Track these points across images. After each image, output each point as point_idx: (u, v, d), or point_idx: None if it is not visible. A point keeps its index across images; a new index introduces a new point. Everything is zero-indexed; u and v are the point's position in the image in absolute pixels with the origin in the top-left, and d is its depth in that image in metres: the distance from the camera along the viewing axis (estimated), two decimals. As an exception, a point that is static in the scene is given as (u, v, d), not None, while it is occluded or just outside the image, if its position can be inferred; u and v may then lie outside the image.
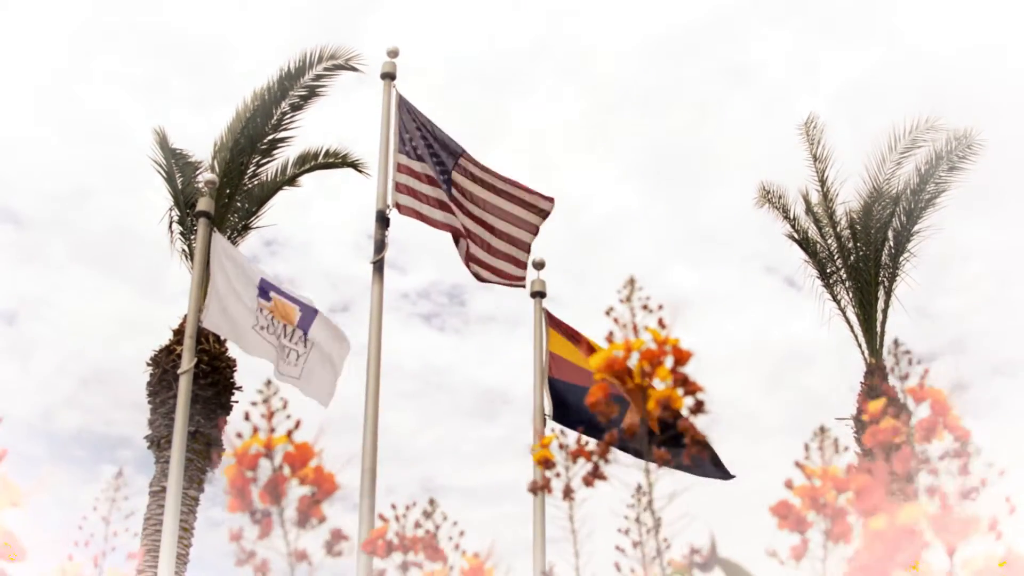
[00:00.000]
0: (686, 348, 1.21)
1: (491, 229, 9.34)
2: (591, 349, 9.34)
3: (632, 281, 1.20)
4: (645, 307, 1.22)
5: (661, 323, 1.21)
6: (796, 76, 27.87)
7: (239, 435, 1.23)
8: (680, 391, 1.21)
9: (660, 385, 1.21)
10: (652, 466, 1.32)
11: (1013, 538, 1.33)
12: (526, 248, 9.47)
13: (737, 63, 28.30)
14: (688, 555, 1.42)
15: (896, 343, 1.53)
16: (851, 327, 14.59)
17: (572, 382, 9.31)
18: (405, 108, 9.31)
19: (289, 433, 1.23)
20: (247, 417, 1.24)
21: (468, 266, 9.18)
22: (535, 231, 9.52)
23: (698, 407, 1.22)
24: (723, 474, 9.35)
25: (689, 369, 1.22)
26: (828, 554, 1.39)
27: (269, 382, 1.29)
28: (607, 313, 1.22)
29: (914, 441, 1.43)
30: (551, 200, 9.56)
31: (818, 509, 1.38)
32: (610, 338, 1.22)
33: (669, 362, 1.21)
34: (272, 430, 1.24)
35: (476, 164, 9.41)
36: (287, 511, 1.21)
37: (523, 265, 9.47)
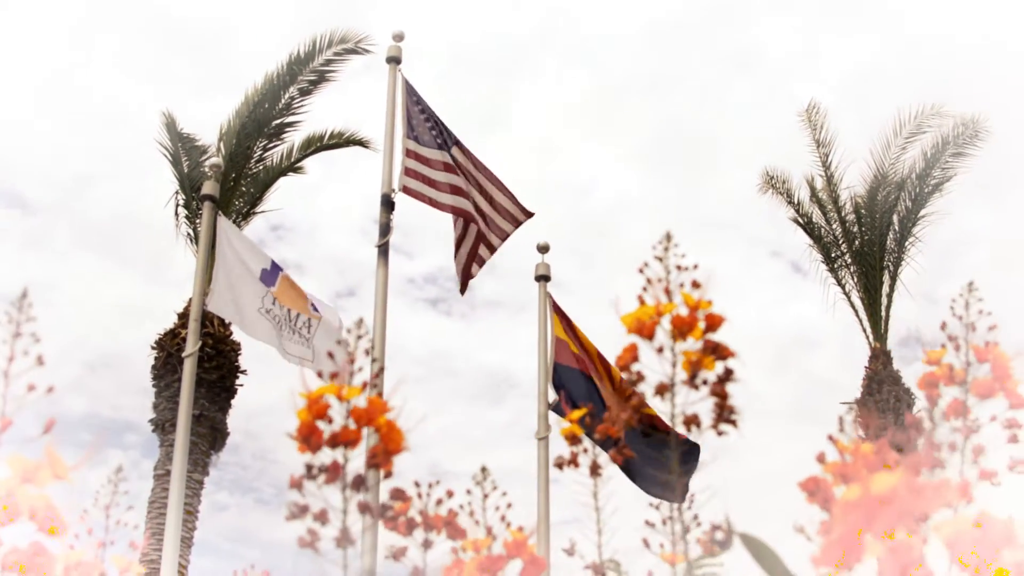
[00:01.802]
0: (718, 313, 1.18)
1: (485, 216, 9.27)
2: (580, 342, 9.34)
3: (668, 236, 1.17)
4: (679, 266, 1.19)
5: (695, 284, 1.18)
6: (800, 61, 27.80)
7: (320, 374, 1.19)
8: (711, 357, 1.18)
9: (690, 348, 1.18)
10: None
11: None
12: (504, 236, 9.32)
13: (741, 48, 28.22)
14: (709, 532, 1.41)
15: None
16: (856, 312, 14.59)
17: (571, 366, 9.28)
18: (410, 94, 9.25)
19: (365, 385, 1.20)
20: (330, 356, 1.20)
21: (469, 266, 9.16)
22: (511, 231, 9.36)
23: (728, 374, 1.19)
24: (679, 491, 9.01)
25: (721, 335, 1.19)
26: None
27: (361, 321, 1.24)
28: (640, 270, 1.18)
29: (969, 397, 1.41)
30: (531, 214, 9.42)
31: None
32: (641, 297, 1.19)
33: (701, 327, 1.18)
34: (354, 372, 1.20)
35: (470, 157, 9.32)
36: (352, 463, 1.18)
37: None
